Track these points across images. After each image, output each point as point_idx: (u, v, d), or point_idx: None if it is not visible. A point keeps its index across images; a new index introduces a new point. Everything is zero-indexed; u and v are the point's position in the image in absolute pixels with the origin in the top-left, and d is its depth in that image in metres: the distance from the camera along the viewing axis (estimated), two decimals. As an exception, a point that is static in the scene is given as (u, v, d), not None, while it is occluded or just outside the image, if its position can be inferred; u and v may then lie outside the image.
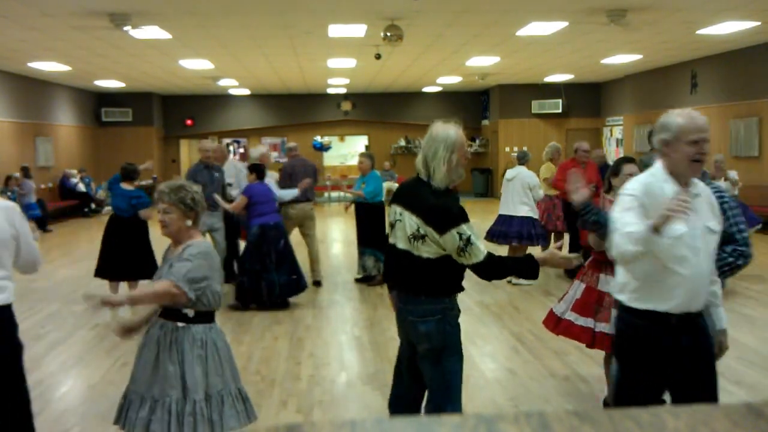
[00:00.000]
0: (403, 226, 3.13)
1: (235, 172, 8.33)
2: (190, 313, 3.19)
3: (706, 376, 2.83)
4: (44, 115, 16.28)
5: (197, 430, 3.06)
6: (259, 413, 4.43)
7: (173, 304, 3.14)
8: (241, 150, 21.98)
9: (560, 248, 3.41)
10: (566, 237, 8.69)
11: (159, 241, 4.79)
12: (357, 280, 8.48)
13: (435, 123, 3.24)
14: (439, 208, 3.06)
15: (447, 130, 3.14)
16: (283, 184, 8.10)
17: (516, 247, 8.17)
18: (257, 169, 7.33)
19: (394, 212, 3.22)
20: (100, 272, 7.43)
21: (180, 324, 3.17)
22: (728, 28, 10.49)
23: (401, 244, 3.15)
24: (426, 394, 3.33)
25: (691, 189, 2.72)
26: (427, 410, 3.27)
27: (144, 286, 3.28)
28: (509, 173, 8.43)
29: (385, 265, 3.45)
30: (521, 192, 8.15)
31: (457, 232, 3.00)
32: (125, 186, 7.35)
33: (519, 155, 8.70)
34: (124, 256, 7.25)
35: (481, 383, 4.89)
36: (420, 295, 3.15)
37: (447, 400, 3.19)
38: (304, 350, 5.82)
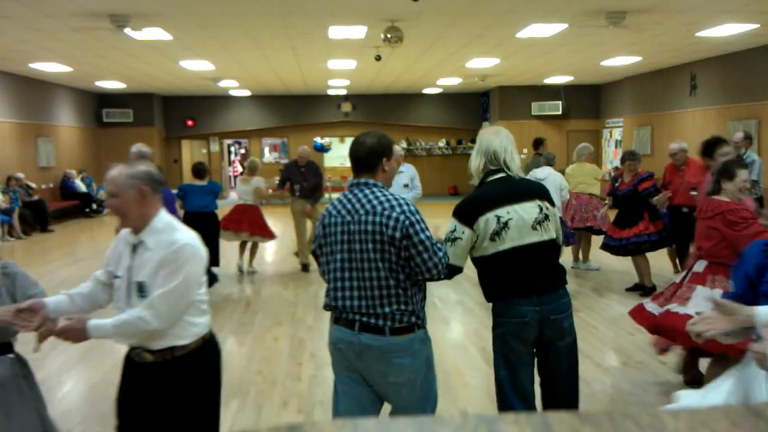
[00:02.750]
0: (520, 219, 3.06)
1: None
2: (14, 339, 2.90)
3: None
4: (45, 116, 16.30)
5: None
6: (261, 413, 4.47)
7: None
8: (242, 151, 22.02)
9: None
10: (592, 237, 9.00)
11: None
12: None
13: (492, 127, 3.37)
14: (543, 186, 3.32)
15: None
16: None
17: None
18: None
19: (496, 218, 3.06)
20: None
21: (11, 355, 2.87)
22: (728, 31, 10.50)
23: (531, 238, 3.06)
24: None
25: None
26: (561, 402, 3.21)
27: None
28: None
29: (522, 274, 3.09)
30: None
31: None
32: (198, 182, 8.40)
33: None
34: (210, 248, 8.02)
35: (482, 384, 4.91)
36: (560, 288, 3.14)
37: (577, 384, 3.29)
38: (305, 351, 5.84)
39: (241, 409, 4.53)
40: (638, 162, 7.66)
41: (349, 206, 2.82)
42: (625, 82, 17.47)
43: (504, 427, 0.81)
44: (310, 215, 9.33)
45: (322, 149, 19.84)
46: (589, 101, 19.47)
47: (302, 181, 9.29)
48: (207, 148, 22.09)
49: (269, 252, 11.54)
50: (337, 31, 10.19)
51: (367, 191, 2.82)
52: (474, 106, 21.59)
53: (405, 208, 2.76)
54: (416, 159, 21.64)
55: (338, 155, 20.90)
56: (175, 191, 8.68)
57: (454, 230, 3.07)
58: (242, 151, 22.16)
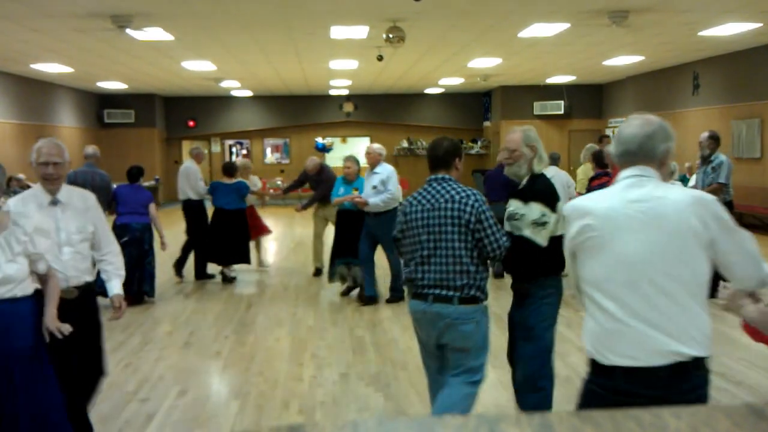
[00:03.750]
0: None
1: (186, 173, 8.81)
2: None
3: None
4: (47, 117, 16.32)
5: None
6: (262, 414, 4.46)
7: None
8: (244, 151, 22.03)
9: None
10: None
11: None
12: (344, 294, 7.93)
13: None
14: None
15: None
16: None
17: None
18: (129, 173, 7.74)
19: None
20: (213, 259, 8.66)
21: None
22: (730, 30, 10.49)
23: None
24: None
25: None
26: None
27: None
28: None
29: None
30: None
31: None
32: (227, 180, 8.60)
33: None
34: (232, 244, 8.51)
35: (482, 384, 4.89)
36: None
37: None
38: (306, 351, 5.83)
39: (242, 410, 4.52)
40: (599, 161, 7.64)
41: (428, 197, 3.43)
42: (628, 81, 17.45)
43: (505, 427, 0.81)
44: (326, 218, 9.25)
45: (324, 149, 19.86)
46: (591, 101, 19.45)
47: (316, 187, 9.48)
48: (208, 149, 22.08)
49: (270, 253, 11.54)
50: (339, 32, 10.18)
51: (444, 184, 3.44)
52: (476, 105, 21.57)
53: (478, 197, 3.40)
54: (418, 159, 21.64)
55: (340, 155, 20.93)
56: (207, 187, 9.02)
57: (544, 215, 3.48)
58: (244, 151, 22.16)
